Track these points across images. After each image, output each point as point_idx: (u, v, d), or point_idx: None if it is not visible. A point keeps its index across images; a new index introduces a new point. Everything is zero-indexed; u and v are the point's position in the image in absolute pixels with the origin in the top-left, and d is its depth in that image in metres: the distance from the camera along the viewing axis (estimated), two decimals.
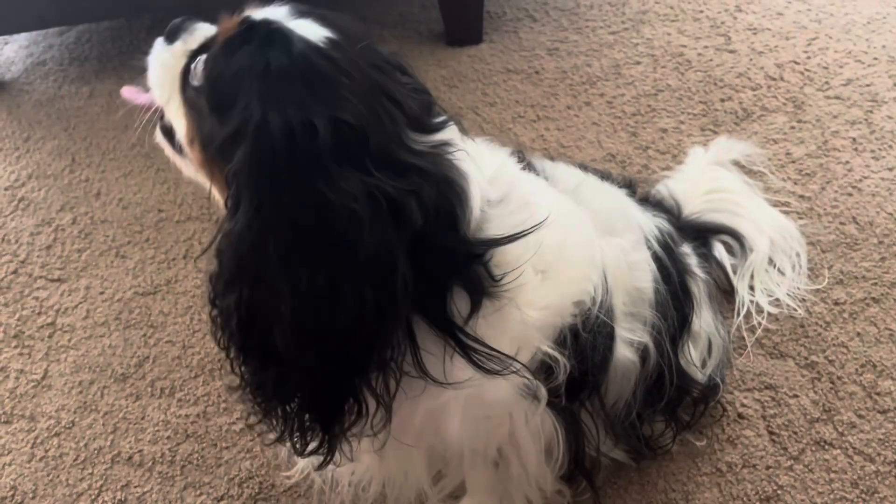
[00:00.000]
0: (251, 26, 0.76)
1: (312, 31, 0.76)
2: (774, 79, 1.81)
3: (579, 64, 1.91)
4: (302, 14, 0.78)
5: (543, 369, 0.86)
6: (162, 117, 0.90)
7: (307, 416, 0.79)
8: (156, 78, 0.86)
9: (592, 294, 0.88)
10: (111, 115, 1.88)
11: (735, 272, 1.32)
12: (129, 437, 1.22)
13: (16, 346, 1.37)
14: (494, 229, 0.78)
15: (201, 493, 1.14)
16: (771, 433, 1.15)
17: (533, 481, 0.97)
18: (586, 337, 0.88)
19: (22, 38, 2.18)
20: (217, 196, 0.82)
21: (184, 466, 1.17)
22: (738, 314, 1.29)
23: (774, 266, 1.35)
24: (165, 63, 0.85)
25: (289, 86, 0.72)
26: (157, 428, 1.22)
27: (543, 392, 0.85)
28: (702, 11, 2.06)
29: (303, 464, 1.10)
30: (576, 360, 0.88)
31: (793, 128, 1.67)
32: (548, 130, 1.72)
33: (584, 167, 1.12)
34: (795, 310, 1.30)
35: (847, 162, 1.57)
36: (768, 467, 1.11)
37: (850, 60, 1.84)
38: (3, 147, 1.82)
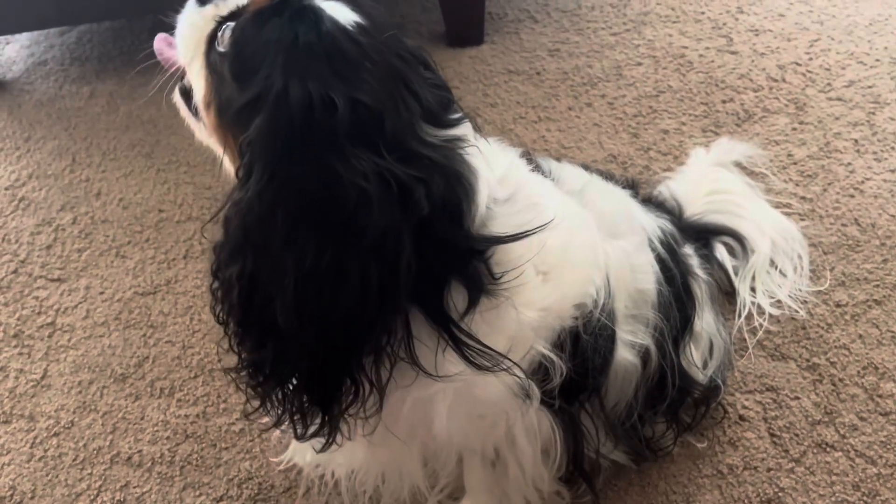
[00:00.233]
0: (285, 1, 0.77)
1: (343, 13, 0.77)
2: (776, 80, 1.80)
3: (580, 65, 1.91)
4: None
5: (539, 370, 0.86)
6: (182, 78, 0.90)
7: (305, 397, 0.79)
8: (182, 37, 0.86)
9: (594, 297, 0.87)
10: (112, 116, 1.88)
11: (736, 273, 1.32)
12: (129, 437, 1.21)
13: (15, 346, 1.36)
14: (499, 227, 0.78)
15: (200, 494, 1.13)
16: (772, 435, 1.14)
17: (530, 482, 0.97)
18: (587, 339, 0.88)
19: (23, 38, 2.18)
20: (228, 164, 0.83)
21: (183, 467, 1.17)
22: (740, 315, 1.29)
23: (776, 267, 1.34)
24: (194, 24, 0.85)
25: (313, 62, 0.73)
26: (156, 428, 1.22)
27: (536, 392, 0.85)
28: (703, 13, 2.06)
29: (291, 451, 1.10)
30: (576, 363, 0.88)
31: (794, 129, 1.66)
32: (549, 131, 1.72)
33: (587, 168, 1.12)
34: (797, 311, 1.30)
35: (849, 163, 1.57)
36: (769, 469, 1.11)
37: (852, 62, 1.84)
38: (4, 147, 1.82)
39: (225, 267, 0.75)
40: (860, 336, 1.26)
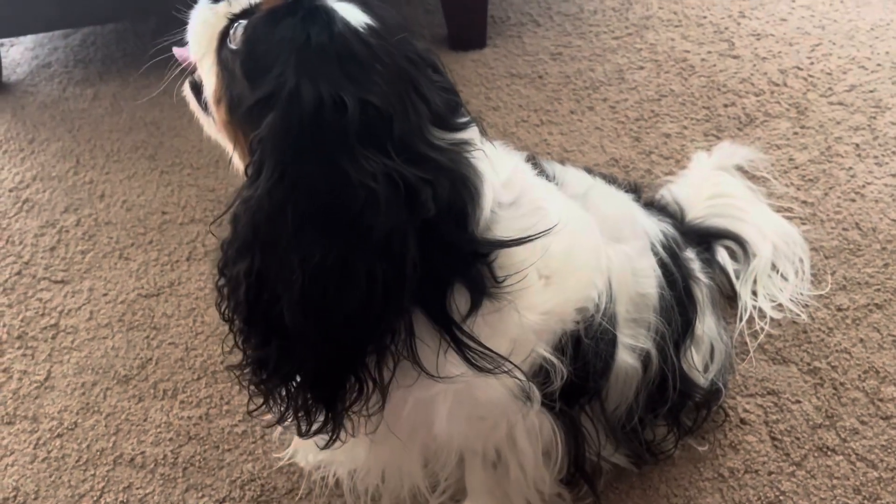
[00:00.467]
0: (298, 0, 0.77)
1: (354, 15, 0.77)
2: (778, 84, 1.81)
3: (583, 69, 1.91)
4: None
5: (540, 373, 0.86)
6: (193, 73, 0.91)
7: (309, 394, 0.79)
8: (194, 34, 0.87)
9: (596, 301, 0.88)
10: (115, 118, 1.88)
11: (738, 277, 1.32)
12: (132, 438, 1.22)
13: (19, 348, 1.37)
14: (503, 231, 0.79)
15: (203, 496, 1.14)
16: (773, 439, 1.15)
17: (531, 483, 0.97)
18: (588, 343, 0.88)
19: (27, 41, 2.19)
20: (237, 161, 0.83)
21: (186, 468, 1.17)
22: (741, 319, 1.29)
23: (777, 271, 1.35)
24: (207, 20, 0.86)
25: (324, 62, 0.73)
26: (159, 430, 1.22)
27: (537, 394, 0.86)
28: (705, 17, 2.06)
29: (293, 450, 1.10)
30: (577, 366, 0.88)
31: (796, 133, 1.67)
32: (551, 135, 1.72)
33: (590, 171, 1.12)
34: (798, 315, 1.30)
35: (850, 168, 1.57)
36: (770, 473, 1.11)
37: (853, 66, 1.84)
38: (8, 149, 1.82)
39: (232, 264, 0.76)
40: (861, 340, 1.26)
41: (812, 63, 1.86)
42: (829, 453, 1.12)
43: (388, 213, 0.70)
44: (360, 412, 0.80)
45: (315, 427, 0.82)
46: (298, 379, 0.79)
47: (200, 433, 1.21)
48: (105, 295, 1.45)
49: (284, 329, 0.74)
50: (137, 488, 1.15)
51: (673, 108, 1.77)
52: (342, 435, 0.83)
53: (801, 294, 1.33)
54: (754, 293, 1.32)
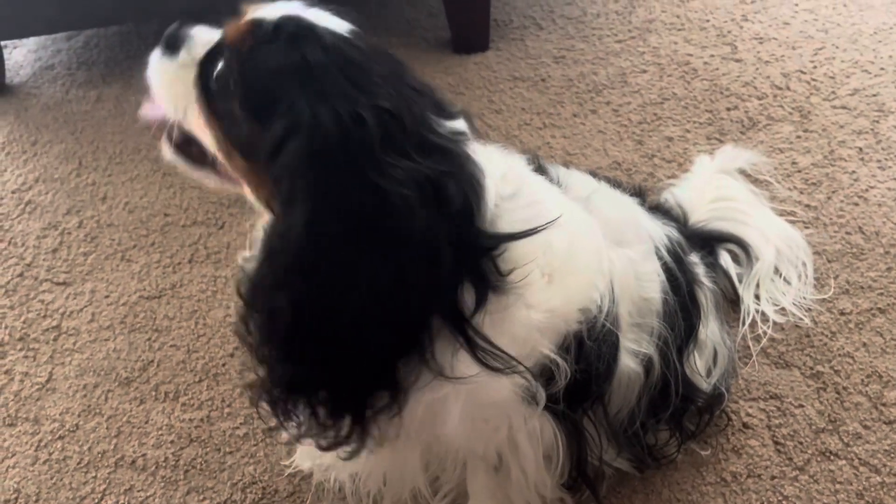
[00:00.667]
0: (277, 25, 0.76)
1: (333, 22, 0.77)
2: (781, 88, 1.81)
3: (585, 72, 1.91)
4: (313, 7, 0.78)
5: (544, 373, 0.86)
6: (170, 134, 0.88)
7: (339, 406, 0.79)
8: (166, 93, 0.84)
9: (598, 303, 0.87)
10: (118, 120, 1.88)
11: (741, 281, 1.32)
12: (133, 441, 1.22)
13: (21, 349, 1.37)
14: (506, 224, 0.79)
15: (204, 498, 1.13)
16: (776, 443, 1.14)
17: (533, 487, 0.97)
18: (591, 346, 0.88)
19: (30, 43, 2.19)
20: (256, 200, 0.81)
21: (187, 471, 1.17)
22: (744, 323, 1.29)
23: (780, 275, 1.34)
24: (174, 76, 0.83)
25: (329, 79, 0.73)
26: (160, 432, 1.22)
27: (542, 394, 0.85)
28: (708, 20, 2.06)
29: (300, 455, 1.10)
30: (580, 368, 0.88)
31: (799, 137, 1.67)
32: (553, 138, 1.72)
33: (594, 175, 1.12)
34: (801, 319, 1.30)
35: (853, 172, 1.57)
36: (773, 477, 1.11)
37: (856, 70, 1.84)
38: (11, 150, 1.82)
39: (270, 299, 0.74)
40: (864, 344, 1.26)
41: (815, 67, 1.86)
42: (832, 458, 1.12)
43: (422, 216, 0.70)
44: (386, 418, 0.80)
45: (340, 439, 0.81)
46: (326, 394, 0.78)
47: (202, 436, 1.21)
48: (107, 297, 1.45)
49: (328, 347, 0.73)
50: (139, 491, 1.15)
51: (676, 112, 1.77)
52: (370, 444, 0.83)
53: (804, 298, 1.32)
54: (757, 297, 1.31)
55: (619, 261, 0.93)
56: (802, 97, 1.77)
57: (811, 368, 1.23)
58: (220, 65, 0.78)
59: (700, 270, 1.13)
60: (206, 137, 0.82)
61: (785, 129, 1.69)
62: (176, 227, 1.58)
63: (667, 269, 1.01)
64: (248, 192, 0.83)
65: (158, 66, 0.84)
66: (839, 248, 1.41)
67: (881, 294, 1.33)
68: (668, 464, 1.11)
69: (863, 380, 1.21)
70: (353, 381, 0.77)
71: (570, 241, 0.84)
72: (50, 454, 1.21)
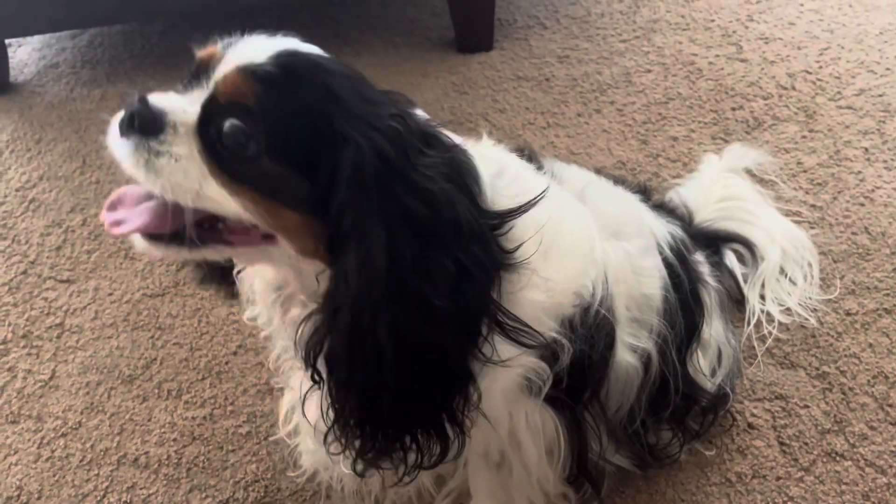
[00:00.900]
0: (279, 65, 0.71)
1: (309, 46, 0.76)
2: (786, 88, 1.80)
3: (590, 72, 1.91)
4: (276, 37, 0.76)
5: (549, 354, 0.85)
6: (178, 230, 0.76)
7: (430, 423, 0.78)
8: (168, 185, 0.72)
9: (591, 289, 0.87)
10: None
11: (746, 281, 1.32)
12: (136, 438, 1.21)
13: (24, 347, 1.37)
14: (504, 202, 0.79)
15: (207, 496, 1.13)
16: (781, 444, 1.14)
17: (535, 483, 0.97)
18: (584, 333, 0.87)
19: (35, 41, 2.19)
20: (294, 254, 0.75)
21: (190, 469, 1.17)
22: (749, 323, 1.28)
23: (786, 275, 1.34)
24: (170, 158, 0.72)
25: (354, 101, 0.72)
26: (163, 430, 1.22)
27: (550, 376, 0.85)
28: (713, 20, 2.05)
29: (308, 464, 1.09)
30: (576, 350, 0.87)
31: (804, 137, 1.66)
32: (558, 137, 1.72)
33: (598, 173, 1.12)
34: (807, 319, 1.29)
35: (859, 172, 1.56)
36: (779, 478, 1.10)
37: (862, 70, 1.83)
38: (16, 149, 1.83)
39: (360, 345, 0.72)
40: (870, 345, 1.25)
41: (821, 67, 1.86)
42: (837, 459, 1.11)
43: (463, 204, 0.72)
44: (468, 418, 0.80)
45: (436, 457, 0.81)
46: (409, 416, 0.77)
47: (204, 433, 1.21)
48: (110, 294, 1.45)
49: (431, 357, 0.73)
50: (141, 488, 1.15)
51: (680, 112, 1.76)
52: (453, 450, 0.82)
53: (810, 298, 1.32)
54: (762, 297, 1.31)
55: (614, 252, 0.92)
56: (808, 97, 1.77)
57: (817, 369, 1.23)
58: (226, 124, 0.70)
59: (705, 269, 1.13)
60: (231, 207, 0.73)
61: (790, 130, 1.68)
62: None
63: (668, 267, 1.00)
64: (280, 249, 0.76)
65: (144, 158, 0.73)
66: (845, 249, 1.41)
67: (887, 294, 1.33)
68: (673, 464, 1.11)
69: (869, 380, 1.21)
70: (451, 386, 0.76)
71: (558, 221, 0.84)
72: (52, 451, 1.21)
